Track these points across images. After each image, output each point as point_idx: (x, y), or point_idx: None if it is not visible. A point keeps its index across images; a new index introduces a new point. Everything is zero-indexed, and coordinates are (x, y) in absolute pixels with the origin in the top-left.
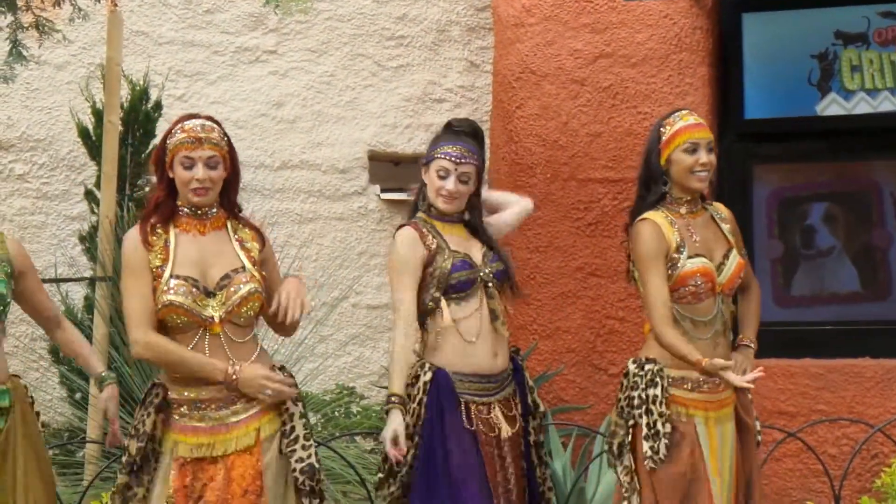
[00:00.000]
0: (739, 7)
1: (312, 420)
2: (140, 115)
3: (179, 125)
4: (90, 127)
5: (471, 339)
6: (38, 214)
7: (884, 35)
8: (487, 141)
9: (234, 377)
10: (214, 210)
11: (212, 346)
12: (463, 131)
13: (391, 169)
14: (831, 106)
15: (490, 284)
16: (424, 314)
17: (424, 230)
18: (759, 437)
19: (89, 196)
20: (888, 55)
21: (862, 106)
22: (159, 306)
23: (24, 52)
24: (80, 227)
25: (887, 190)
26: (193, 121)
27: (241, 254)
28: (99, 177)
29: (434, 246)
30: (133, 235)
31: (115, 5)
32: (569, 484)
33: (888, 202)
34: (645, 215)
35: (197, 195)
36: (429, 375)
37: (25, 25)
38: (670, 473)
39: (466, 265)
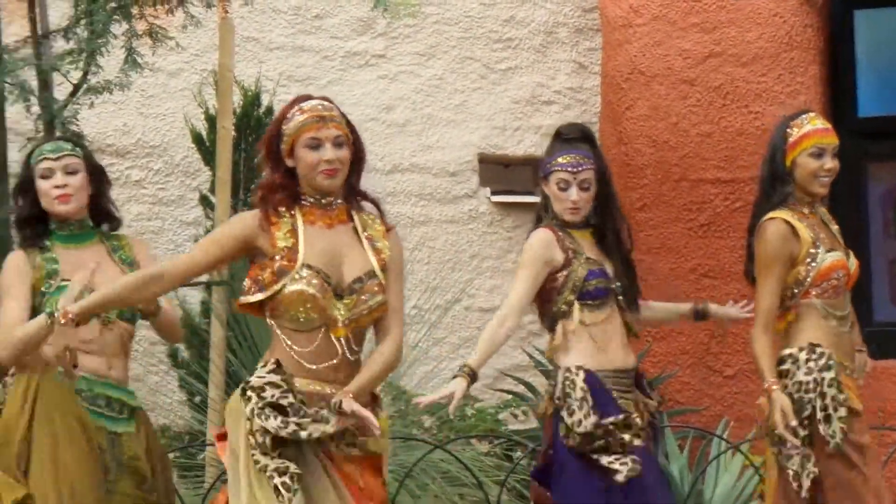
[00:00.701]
0: (850, 4)
1: (428, 423)
2: (252, 120)
3: (296, 107)
4: (203, 132)
5: (602, 344)
6: (155, 220)
7: None
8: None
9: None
10: (339, 200)
11: (329, 350)
12: (574, 138)
13: (501, 171)
14: None
15: (619, 297)
16: (555, 318)
17: (561, 234)
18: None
19: (204, 201)
20: None
21: None
22: (284, 293)
23: (139, 60)
24: (196, 231)
25: None
26: (310, 101)
27: (371, 254)
28: (213, 182)
29: (571, 251)
30: (252, 214)
31: (227, 12)
32: (686, 486)
33: None
34: (773, 214)
35: (328, 176)
36: (582, 375)
37: (140, 33)
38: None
39: (602, 274)
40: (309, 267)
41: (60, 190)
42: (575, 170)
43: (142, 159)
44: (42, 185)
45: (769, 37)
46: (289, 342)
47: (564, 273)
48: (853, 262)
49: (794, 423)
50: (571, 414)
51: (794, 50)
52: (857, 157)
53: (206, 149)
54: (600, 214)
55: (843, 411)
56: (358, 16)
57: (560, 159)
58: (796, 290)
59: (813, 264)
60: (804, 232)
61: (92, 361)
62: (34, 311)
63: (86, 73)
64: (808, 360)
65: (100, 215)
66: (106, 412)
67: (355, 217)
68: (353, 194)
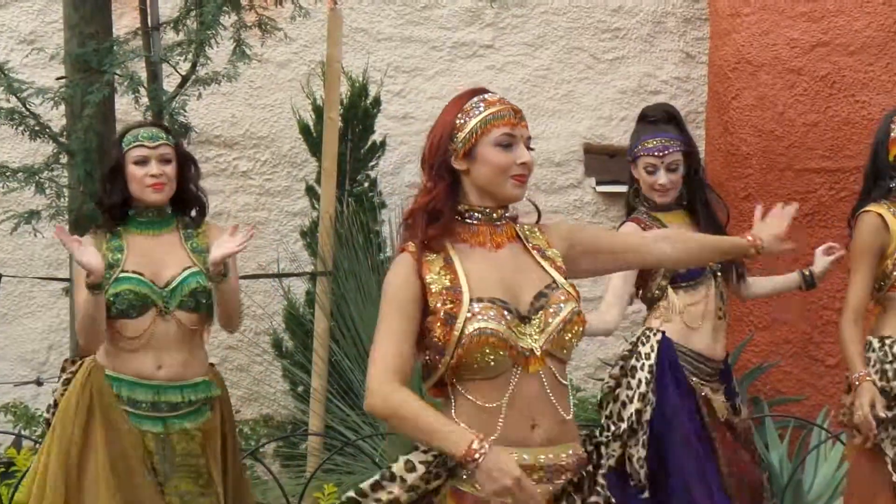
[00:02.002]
0: None
1: None
2: (359, 111)
3: (477, 100)
4: (311, 123)
5: (694, 326)
6: (261, 210)
7: None
8: (703, 132)
9: (477, 457)
10: (508, 214)
11: (528, 390)
12: (659, 119)
13: (606, 161)
14: None
15: (719, 275)
16: (652, 301)
17: (647, 222)
18: None
19: (310, 192)
20: None
21: None
22: (464, 340)
23: (248, 51)
24: (302, 222)
25: None
26: (493, 94)
27: (546, 265)
28: (319, 173)
29: None
30: (404, 263)
31: (335, 3)
32: (785, 476)
33: None
34: (870, 207)
35: (520, 184)
36: (659, 335)
37: (249, 24)
38: None
39: None
40: (479, 300)
41: (155, 179)
42: (662, 153)
43: (249, 150)
44: (136, 171)
45: (877, 26)
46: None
47: None
48: None
49: (882, 413)
50: (633, 373)
51: None
52: None
53: (312, 140)
54: (690, 193)
55: None
56: (466, 6)
57: (647, 144)
58: (884, 283)
59: None
60: (894, 225)
61: (134, 362)
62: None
63: (194, 65)
64: (871, 346)
65: (187, 203)
66: (151, 413)
67: (518, 231)
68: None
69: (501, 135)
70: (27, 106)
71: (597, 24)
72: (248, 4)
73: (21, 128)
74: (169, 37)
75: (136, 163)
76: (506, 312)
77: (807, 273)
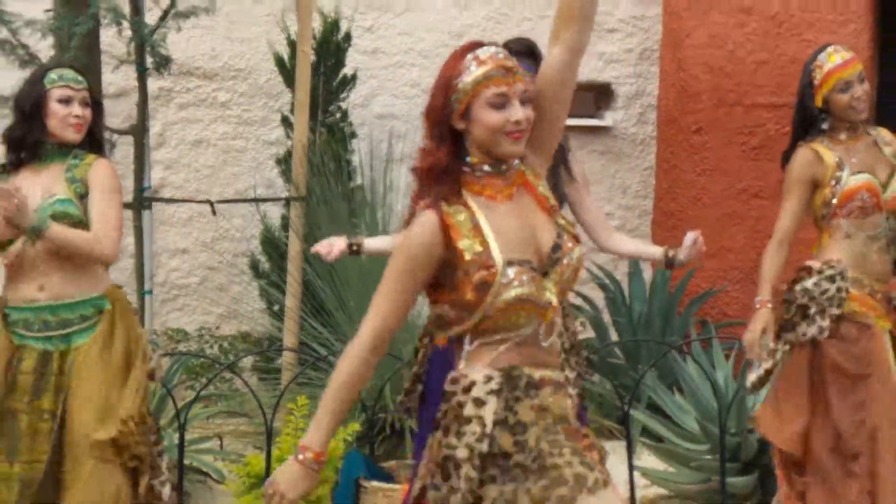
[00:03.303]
0: None
1: None
2: (331, 45)
3: (470, 58)
4: (285, 57)
5: None
6: (239, 139)
7: None
8: (657, 69)
9: (298, 457)
10: (516, 162)
11: (547, 335)
12: (520, 52)
13: None
14: None
15: None
16: None
17: None
18: None
19: (285, 122)
20: None
21: None
22: (498, 305)
23: None
24: (277, 151)
25: None
26: (486, 48)
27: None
28: (293, 104)
29: None
30: (430, 225)
31: None
32: (730, 393)
33: None
34: (803, 143)
35: (515, 140)
36: None
37: None
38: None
39: None
40: (510, 263)
41: (78, 119)
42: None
43: (227, 82)
44: (59, 109)
45: None
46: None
47: None
48: (894, 185)
49: (762, 338)
50: None
51: None
52: None
53: (287, 72)
54: None
55: (833, 311)
56: None
57: None
58: (825, 212)
59: (837, 186)
60: (829, 157)
61: (19, 287)
62: None
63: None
64: (820, 272)
65: (94, 144)
66: (43, 333)
67: (526, 175)
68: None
69: (492, 95)
70: (17, 37)
71: None
72: None
73: (11, 57)
74: None
75: (60, 101)
76: (533, 273)
77: (670, 254)
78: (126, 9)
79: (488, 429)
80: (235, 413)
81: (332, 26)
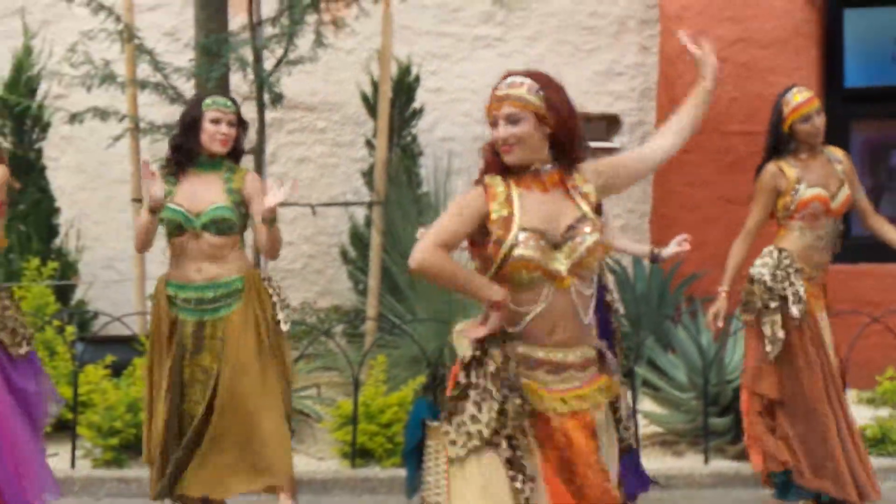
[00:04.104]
0: (841, 3)
1: None
2: (404, 85)
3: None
4: (369, 94)
5: None
6: (333, 157)
7: None
8: (655, 104)
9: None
10: (549, 166)
11: (557, 301)
12: None
13: (583, 123)
14: None
15: None
16: None
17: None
18: None
19: (368, 144)
20: None
21: None
22: (508, 261)
23: (324, 41)
24: (362, 166)
25: None
26: (502, 81)
27: (580, 200)
28: (375, 130)
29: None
30: (478, 191)
31: (388, 6)
32: (712, 353)
33: None
34: (772, 161)
35: (506, 153)
36: None
37: (325, 22)
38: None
39: None
40: (524, 229)
41: (224, 136)
42: None
43: (324, 113)
44: (209, 127)
45: (782, 27)
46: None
47: None
48: (841, 196)
49: (720, 324)
50: None
51: (800, 37)
52: (844, 116)
53: (370, 106)
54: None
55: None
56: (483, 9)
57: None
58: (784, 214)
59: (795, 196)
60: (790, 173)
61: (180, 269)
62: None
63: (286, 51)
64: (770, 253)
65: (237, 154)
66: (199, 307)
67: (567, 181)
68: (564, 160)
69: (490, 118)
70: (168, 80)
71: (578, 24)
72: (326, 7)
73: (163, 96)
74: (268, 30)
75: (212, 121)
76: (542, 241)
77: (656, 251)
78: (249, 57)
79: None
80: (329, 368)
81: (405, 71)
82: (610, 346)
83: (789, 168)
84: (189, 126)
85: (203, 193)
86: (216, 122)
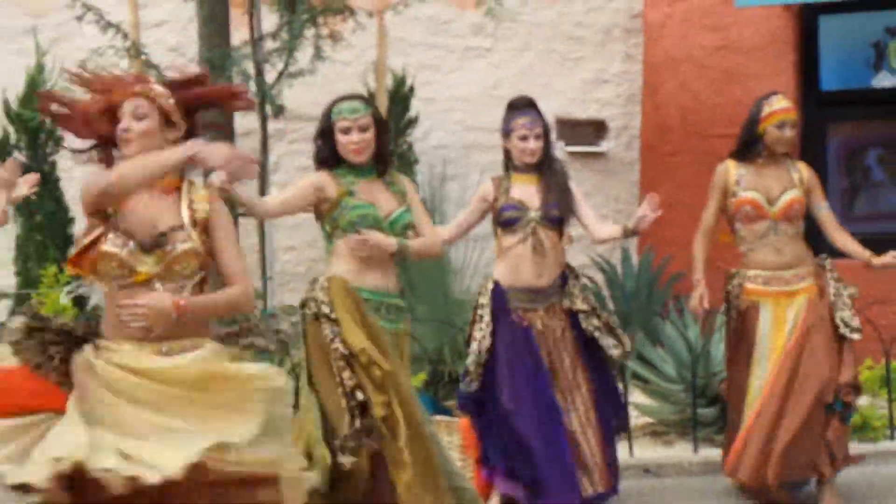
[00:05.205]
0: (817, 11)
1: None
2: (400, 95)
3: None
4: None
5: (516, 263)
6: None
7: None
8: (640, 109)
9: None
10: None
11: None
12: (524, 104)
13: (571, 129)
14: (884, 80)
15: (537, 222)
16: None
17: (501, 180)
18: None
19: None
20: None
21: None
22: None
23: (323, 54)
24: None
25: None
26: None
27: (187, 212)
28: None
29: (503, 190)
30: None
31: (383, 20)
32: (699, 347)
33: None
34: (725, 161)
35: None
36: (490, 286)
37: (324, 36)
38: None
39: (515, 207)
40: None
41: (356, 145)
42: (531, 126)
43: None
44: (342, 138)
45: (761, 34)
46: None
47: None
48: (782, 201)
49: (706, 305)
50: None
51: (778, 43)
52: (820, 119)
53: None
54: (542, 159)
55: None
56: (474, 21)
57: (519, 120)
58: (728, 215)
59: (734, 198)
60: (733, 173)
61: (363, 275)
62: (323, 217)
63: (287, 64)
64: (730, 277)
65: (381, 159)
66: (387, 316)
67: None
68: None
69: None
70: None
71: (565, 34)
72: (324, 22)
73: None
74: (269, 45)
75: (342, 131)
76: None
77: (629, 227)
78: (251, 71)
79: None
80: None
81: (400, 82)
82: (613, 403)
83: (736, 169)
84: (326, 134)
85: (378, 196)
86: (345, 131)
